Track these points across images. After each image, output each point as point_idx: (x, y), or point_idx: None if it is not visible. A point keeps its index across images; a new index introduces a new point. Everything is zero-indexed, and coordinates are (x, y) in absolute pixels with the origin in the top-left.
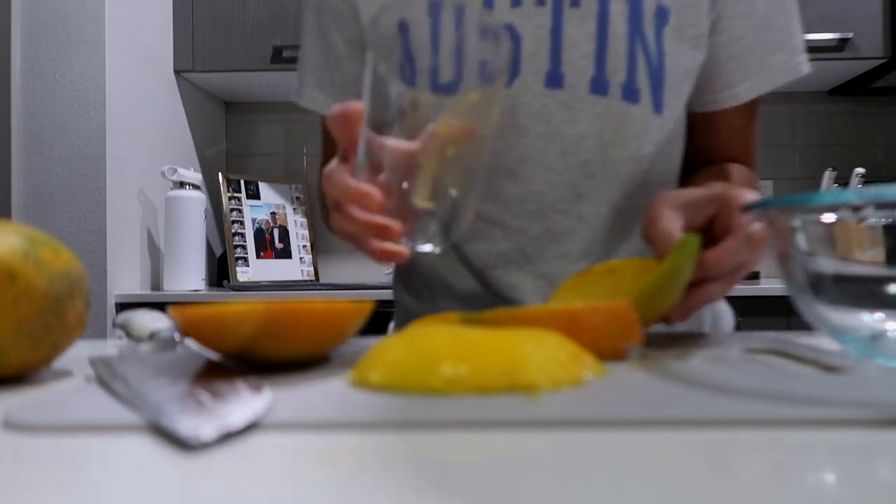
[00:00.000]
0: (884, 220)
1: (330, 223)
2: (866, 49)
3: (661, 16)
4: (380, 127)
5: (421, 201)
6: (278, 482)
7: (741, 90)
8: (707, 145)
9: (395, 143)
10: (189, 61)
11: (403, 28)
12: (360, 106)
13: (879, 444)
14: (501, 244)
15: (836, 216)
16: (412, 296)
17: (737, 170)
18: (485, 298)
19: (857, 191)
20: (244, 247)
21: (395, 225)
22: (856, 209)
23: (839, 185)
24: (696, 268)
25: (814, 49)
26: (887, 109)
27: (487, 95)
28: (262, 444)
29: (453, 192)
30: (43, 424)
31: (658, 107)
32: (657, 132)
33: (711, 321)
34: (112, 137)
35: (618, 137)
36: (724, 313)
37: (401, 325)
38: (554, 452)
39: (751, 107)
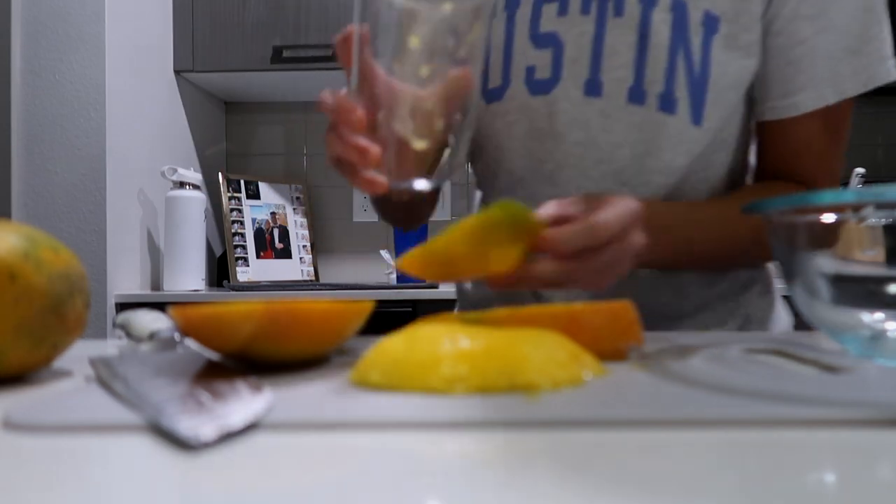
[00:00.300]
0: (884, 220)
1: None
2: None
3: (710, 24)
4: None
5: (416, 141)
6: (278, 482)
7: (802, 99)
8: (772, 159)
9: (388, 78)
10: (189, 61)
11: None
12: (361, 29)
13: (879, 444)
14: None
15: (835, 216)
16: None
17: (778, 189)
18: (524, 293)
19: (857, 191)
20: (244, 247)
21: (373, 148)
22: (856, 209)
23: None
24: (534, 242)
25: None
26: (887, 109)
27: (464, 10)
28: (262, 444)
29: (447, 132)
30: (43, 424)
31: (697, 118)
32: (695, 143)
33: (771, 323)
34: (112, 137)
35: (652, 148)
36: (781, 317)
37: (462, 309)
38: (554, 452)
39: (825, 119)
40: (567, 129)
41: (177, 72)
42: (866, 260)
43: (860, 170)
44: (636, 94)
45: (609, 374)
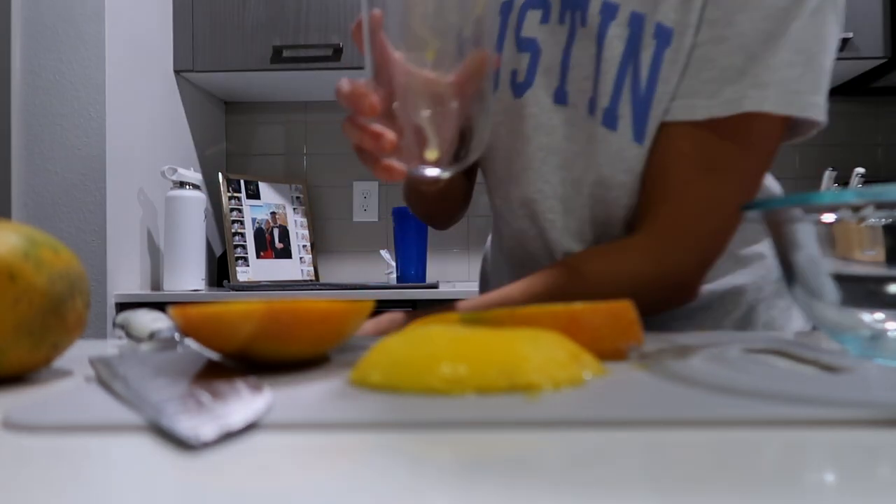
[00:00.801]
0: (884, 220)
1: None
2: (866, 49)
3: (662, 36)
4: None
5: (430, 154)
6: (278, 482)
7: (675, 106)
8: (651, 165)
9: (404, 64)
10: (189, 61)
11: None
12: (375, 14)
13: (879, 444)
14: (508, 241)
15: (835, 216)
16: (494, 267)
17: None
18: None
19: (857, 191)
20: (244, 247)
21: (388, 133)
22: (856, 209)
23: (839, 185)
24: None
25: None
26: (887, 109)
27: None
28: (262, 443)
29: (464, 117)
30: (43, 424)
31: (639, 136)
32: (636, 161)
33: (782, 322)
34: (112, 137)
35: (595, 161)
36: (795, 315)
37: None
38: (554, 452)
39: (699, 142)
40: (534, 133)
41: (177, 72)
42: (866, 260)
43: (860, 170)
44: (592, 107)
45: (609, 374)
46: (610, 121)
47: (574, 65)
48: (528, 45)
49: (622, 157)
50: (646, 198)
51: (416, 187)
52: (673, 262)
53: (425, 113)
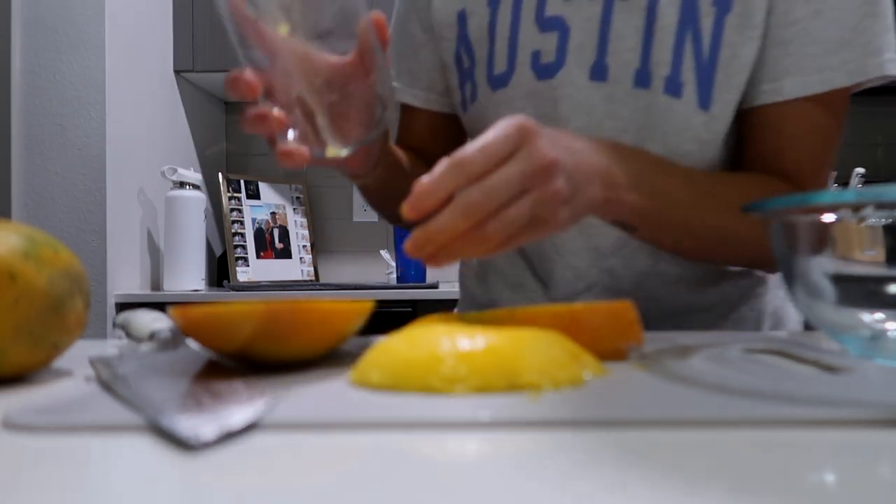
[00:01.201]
0: (884, 220)
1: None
2: None
3: (722, 4)
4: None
5: (333, 150)
6: (278, 482)
7: (787, 84)
8: (757, 153)
9: (280, 42)
10: (189, 61)
11: None
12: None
13: (879, 444)
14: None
15: (835, 216)
16: (475, 277)
17: (768, 183)
18: (531, 287)
19: (857, 191)
20: (244, 247)
21: (274, 114)
22: (856, 209)
23: (839, 185)
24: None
25: None
26: (887, 109)
27: None
28: (262, 444)
29: (362, 91)
30: (43, 424)
31: (704, 102)
32: (703, 129)
33: (772, 323)
34: (112, 137)
35: (657, 133)
36: (790, 316)
37: (464, 310)
38: (554, 452)
39: (812, 112)
40: (571, 114)
41: (177, 72)
42: (866, 260)
43: (860, 170)
44: (642, 78)
45: (609, 374)
46: (673, 88)
47: (615, 37)
48: (553, 24)
49: (689, 124)
50: (766, 168)
51: (356, 183)
52: None
53: (311, 89)
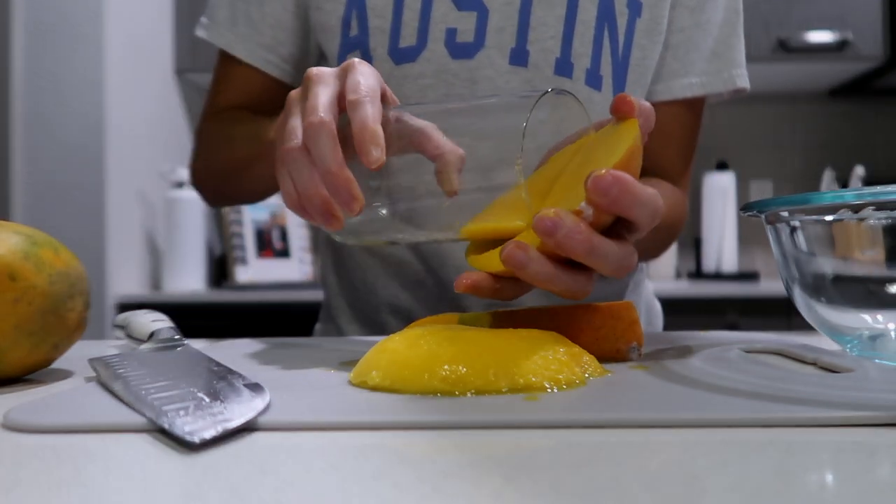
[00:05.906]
0: (884, 220)
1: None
2: (866, 50)
3: (634, 7)
4: None
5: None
6: (278, 482)
7: (675, 85)
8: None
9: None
10: (189, 61)
11: None
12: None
13: (879, 444)
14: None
15: (835, 216)
16: (344, 287)
17: (662, 187)
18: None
19: (857, 191)
20: (244, 247)
21: (356, 191)
22: (856, 209)
23: (839, 185)
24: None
25: (813, 50)
26: (887, 109)
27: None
28: (261, 444)
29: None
30: (43, 424)
31: None
32: None
33: (648, 318)
34: (112, 137)
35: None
36: (656, 313)
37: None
38: (554, 452)
39: (689, 114)
40: None
41: (177, 72)
42: (866, 260)
43: (860, 170)
44: (563, 67)
45: (609, 374)
46: (594, 81)
47: (537, 24)
48: (471, 4)
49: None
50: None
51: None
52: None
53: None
